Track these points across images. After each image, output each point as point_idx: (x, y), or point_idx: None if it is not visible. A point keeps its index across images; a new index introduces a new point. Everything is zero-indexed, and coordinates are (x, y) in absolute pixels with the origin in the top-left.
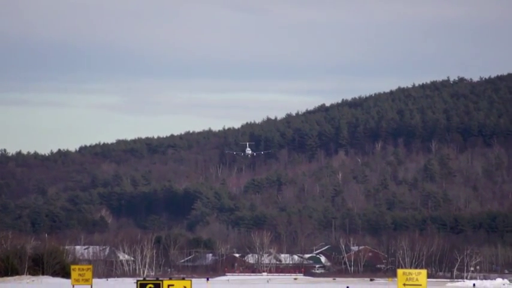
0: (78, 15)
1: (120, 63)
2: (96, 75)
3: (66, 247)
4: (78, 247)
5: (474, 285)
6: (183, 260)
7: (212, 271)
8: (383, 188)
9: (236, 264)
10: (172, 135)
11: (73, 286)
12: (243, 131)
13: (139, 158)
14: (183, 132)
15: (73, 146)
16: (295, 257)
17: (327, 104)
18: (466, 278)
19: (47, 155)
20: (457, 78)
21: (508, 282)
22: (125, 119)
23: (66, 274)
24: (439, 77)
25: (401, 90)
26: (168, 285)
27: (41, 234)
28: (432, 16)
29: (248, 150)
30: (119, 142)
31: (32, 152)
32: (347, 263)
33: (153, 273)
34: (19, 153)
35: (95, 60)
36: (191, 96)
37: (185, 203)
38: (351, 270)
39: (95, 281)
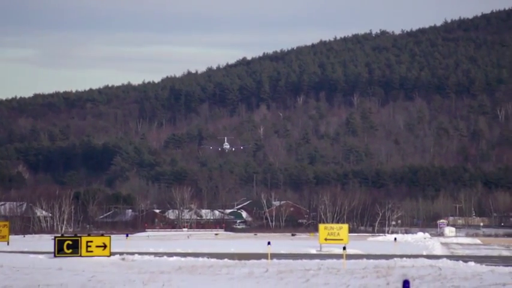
0: None
1: (37, 15)
2: (13, 27)
3: None
4: None
5: (395, 239)
6: (102, 216)
7: (132, 227)
8: (305, 142)
9: (156, 220)
10: (91, 89)
11: None
12: (163, 85)
13: (57, 112)
14: (101, 86)
15: None
16: (216, 212)
17: (248, 58)
18: (388, 232)
19: None
20: (378, 31)
21: (428, 236)
22: (42, 73)
23: None
24: (361, 30)
25: (322, 44)
26: (87, 242)
27: None
28: None
29: (226, 145)
30: (36, 96)
31: None
32: (268, 218)
33: (72, 230)
34: None
35: (11, 13)
36: (110, 49)
37: (104, 158)
38: (272, 225)
39: (12, 237)
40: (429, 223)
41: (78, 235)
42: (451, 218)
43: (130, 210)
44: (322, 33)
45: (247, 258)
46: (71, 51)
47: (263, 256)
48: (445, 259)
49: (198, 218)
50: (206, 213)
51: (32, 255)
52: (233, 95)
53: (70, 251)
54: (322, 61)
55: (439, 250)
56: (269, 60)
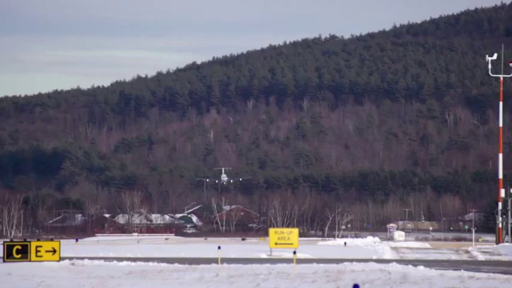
0: None
1: None
2: None
3: None
4: None
5: (345, 243)
6: (51, 221)
7: (81, 232)
8: (255, 146)
9: (106, 225)
10: (40, 94)
11: None
12: (113, 89)
13: (6, 117)
14: (51, 91)
15: None
16: (167, 216)
17: (198, 62)
18: (338, 237)
19: None
20: (328, 36)
21: (378, 240)
22: None
23: None
24: (310, 35)
25: (272, 48)
26: (36, 247)
27: None
28: None
29: (224, 177)
30: None
31: None
32: (219, 222)
33: (21, 235)
34: None
35: None
36: (59, 53)
37: (54, 163)
38: (222, 229)
39: None
40: (379, 227)
41: (28, 240)
42: (400, 222)
43: (80, 215)
44: (272, 38)
45: (198, 263)
46: (19, 55)
47: (213, 261)
48: (394, 263)
49: (148, 222)
50: (156, 218)
51: None
52: (183, 100)
53: (19, 256)
54: (272, 65)
55: (388, 254)
56: (219, 64)
